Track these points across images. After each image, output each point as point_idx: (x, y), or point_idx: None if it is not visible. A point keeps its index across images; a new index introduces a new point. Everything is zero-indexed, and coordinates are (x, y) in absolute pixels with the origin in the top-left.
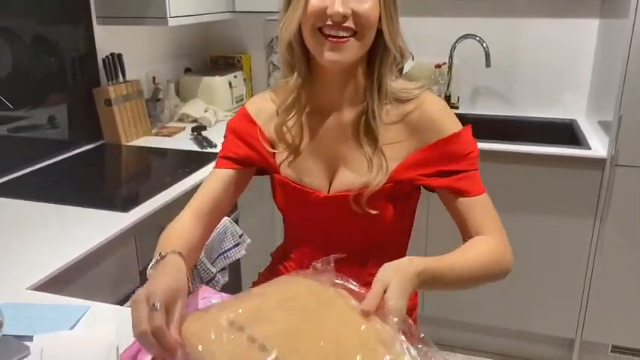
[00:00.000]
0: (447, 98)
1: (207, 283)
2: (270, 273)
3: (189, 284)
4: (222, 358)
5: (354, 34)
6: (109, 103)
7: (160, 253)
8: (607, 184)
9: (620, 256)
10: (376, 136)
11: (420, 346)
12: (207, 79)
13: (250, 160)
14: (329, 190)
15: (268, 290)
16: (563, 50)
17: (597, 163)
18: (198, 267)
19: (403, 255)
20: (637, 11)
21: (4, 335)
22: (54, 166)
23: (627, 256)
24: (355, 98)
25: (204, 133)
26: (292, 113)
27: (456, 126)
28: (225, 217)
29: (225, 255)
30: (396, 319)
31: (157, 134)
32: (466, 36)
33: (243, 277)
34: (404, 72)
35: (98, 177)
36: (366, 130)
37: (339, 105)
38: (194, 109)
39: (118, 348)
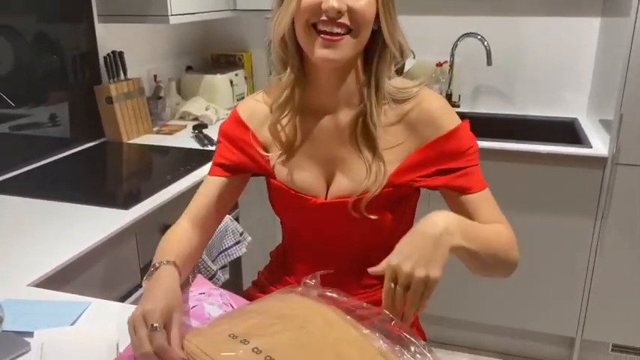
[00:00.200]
0: (449, 97)
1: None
2: (269, 272)
3: (190, 282)
4: None
5: (349, 31)
6: (110, 101)
7: (154, 264)
8: (608, 182)
9: (621, 254)
10: (375, 141)
11: (418, 356)
12: (208, 77)
13: (243, 167)
14: (326, 195)
15: (263, 307)
16: (565, 49)
17: (598, 161)
18: (199, 265)
19: None
20: (638, 10)
21: (4, 331)
22: (55, 164)
23: (628, 255)
24: (352, 99)
25: (205, 131)
26: (286, 111)
27: (455, 122)
28: (226, 215)
29: (226, 253)
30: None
31: (158, 132)
32: (467, 34)
33: (244, 275)
34: (405, 70)
35: (99, 175)
36: (364, 134)
37: (334, 106)
38: (195, 107)
39: (118, 344)
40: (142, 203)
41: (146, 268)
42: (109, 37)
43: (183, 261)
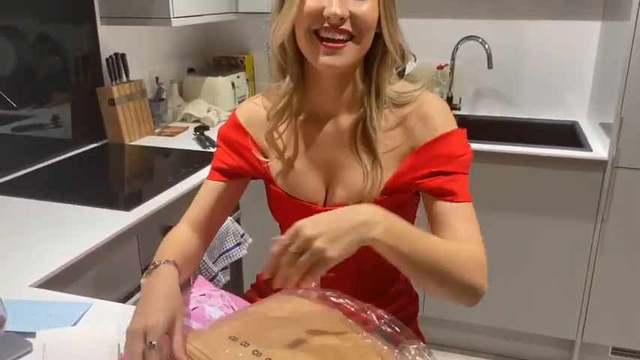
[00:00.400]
0: (449, 99)
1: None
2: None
3: (191, 283)
4: None
5: (351, 37)
6: (112, 102)
7: (154, 262)
8: (608, 185)
9: (621, 257)
10: (375, 146)
11: (418, 358)
12: (210, 80)
13: (242, 172)
14: (325, 201)
15: (264, 309)
16: (565, 52)
17: (598, 164)
18: (200, 266)
19: None
20: (639, 13)
21: (6, 332)
22: (57, 165)
23: (628, 258)
24: (352, 103)
25: (206, 133)
26: (283, 119)
27: (450, 126)
28: (228, 217)
29: (227, 254)
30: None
31: (159, 134)
32: (468, 37)
33: (245, 277)
34: (406, 73)
35: (101, 176)
36: (364, 139)
37: (335, 111)
38: (197, 109)
39: (119, 345)
40: (144, 205)
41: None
42: (111, 38)
43: (183, 263)
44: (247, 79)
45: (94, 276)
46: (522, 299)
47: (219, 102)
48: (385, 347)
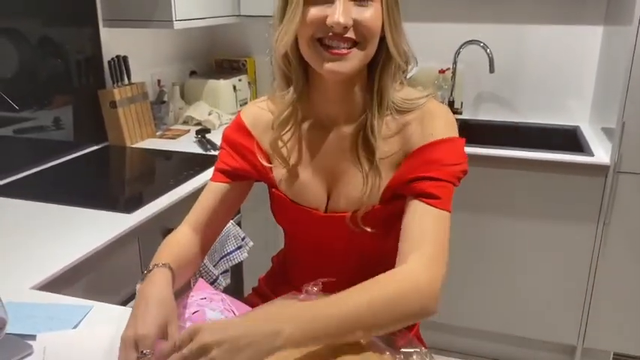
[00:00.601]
0: (451, 104)
1: None
2: (270, 278)
3: (192, 286)
4: None
5: (356, 43)
6: (114, 105)
7: (149, 267)
8: (610, 190)
9: (623, 262)
10: (374, 154)
11: None
12: (211, 82)
13: (245, 174)
14: (327, 207)
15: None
16: (567, 57)
17: (600, 169)
18: (201, 269)
19: None
20: None
21: (7, 334)
22: (59, 168)
23: (630, 263)
24: (355, 110)
25: (208, 135)
26: (288, 127)
27: (448, 134)
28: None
29: (228, 257)
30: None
31: (161, 136)
32: (470, 42)
33: (245, 280)
34: (407, 76)
35: (102, 178)
36: (364, 146)
37: (338, 117)
38: (198, 111)
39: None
40: (145, 207)
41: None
42: (113, 41)
43: (181, 265)
44: (249, 82)
45: (94, 278)
46: (523, 304)
47: (220, 105)
48: (387, 352)
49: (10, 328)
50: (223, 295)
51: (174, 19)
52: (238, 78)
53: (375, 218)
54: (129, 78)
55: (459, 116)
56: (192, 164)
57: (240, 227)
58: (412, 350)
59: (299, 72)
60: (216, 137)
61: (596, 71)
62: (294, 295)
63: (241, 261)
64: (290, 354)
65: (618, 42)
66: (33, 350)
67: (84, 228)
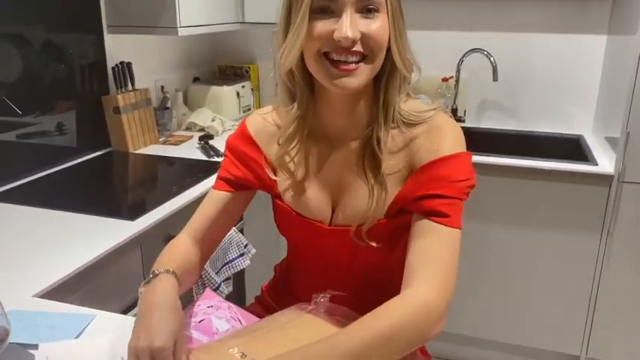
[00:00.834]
0: (454, 112)
1: None
2: (272, 288)
3: (193, 294)
4: None
5: (364, 57)
6: (117, 111)
7: (154, 271)
8: (614, 200)
9: (627, 272)
10: (380, 167)
11: None
12: (215, 89)
13: (248, 183)
14: (331, 220)
15: (271, 324)
16: (571, 65)
17: (604, 179)
18: (203, 276)
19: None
20: None
21: (9, 343)
22: (61, 173)
23: (633, 273)
24: (361, 122)
25: (211, 142)
26: (294, 143)
27: (456, 149)
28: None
29: (230, 265)
30: None
31: (164, 142)
32: (474, 50)
33: (247, 287)
34: (410, 84)
35: (105, 185)
36: (370, 159)
37: (344, 130)
38: (201, 118)
39: (122, 358)
40: (148, 214)
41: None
42: (117, 47)
43: (184, 273)
44: (252, 89)
45: (96, 286)
46: (527, 313)
47: (223, 111)
48: None
49: (12, 337)
50: (230, 303)
51: (178, 25)
52: (241, 84)
53: (379, 233)
54: (132, 84)
55: (462, 124)
56: (195, 171)
57: (243, 234)
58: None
59: (303, 87)
60: (219, 144)
61: (600, 80)
62: (302, 306)
63: (243, 268)
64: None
65: (622, 51)
66: None
67: (87, 235)
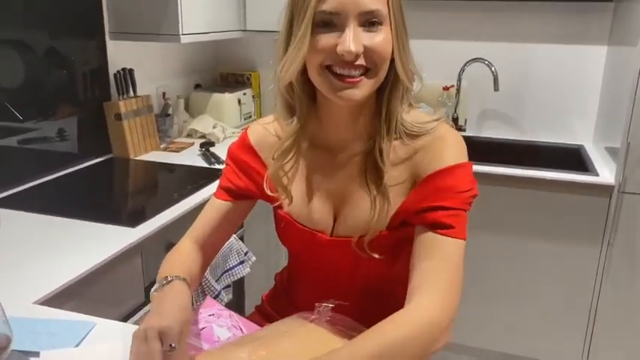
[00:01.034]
0: (455, 120)
1: None
2: (273, 298)
3: (193, 302)
4: None
5: (367, 70)
6: (119, 117)
7: (167, 277)
8: (614, 210)
9: (627, 283)
10: (383, 179)
11: None
12: (216, 96)
13: (249, 193)
14: (333, 231)
15: (273, 333)
16: (571, 76)
17: (605, 189)
18: (203, 284)
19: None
20: None
21: (12, 350)
22: (62, 179)
23: (634, 284)
24: (364, 133)
25: (212, 149)
26: (289, 157)
27: (458, 159)
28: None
29: (230, 272)
30: None
31: (165, 149)
32: (475, 59)
33: (247, 295)
34: (412, 93)
35: (106, 191)
36: (373, 170)
37: (347, 140)
38: (203, 125)
39: None
40: (149, 221)
41: (151, 287)
42: (119, 54)
43: (190, 281)
44: (253, 96)
45: (97, 293)
46: (526, 323)
47: (225, 118)
48: None
49: (13, 345)
50: (231, 311)
51: (180, 33)
52: (243, 92)
53: (382, 244)
54: (134, 91)
55: (463, 133)
56: (196, 178)
57: (243, 241)
58: None
59: (303, 100)
60: (220, 151)
61: (600, 91)
62: (305, 315)
63: (243, 276)
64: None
65: (623, 62)
66: None
67: (88, 242)
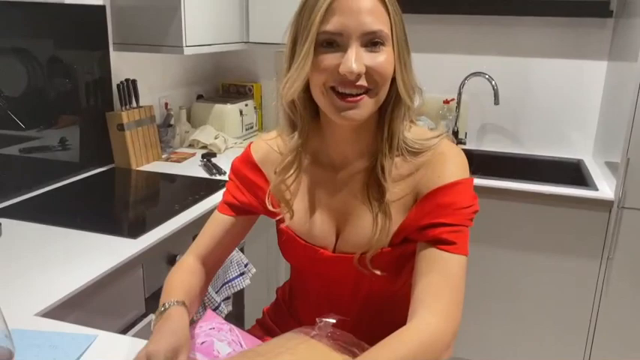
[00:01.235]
0: (455, 134)
1: None
2: (274, 312)
3: (194, 318)
4: None
5: (368, 89)
6: (121, 127)
7: (164, 304)
8: (614, 226)
9: (626, 298)
10: (385, 195)
11: None
12: (218, 107)
13: (252, 209)
14: (335, 247)
15: (274, 349)
16: (571, 90)
17: (604, 204)
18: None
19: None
20: None
21: None
22: (64, 189)
23: (633, 299)
24: (366, 150)
25: (213, 160)
26: (290, 173)
27: (458, 176)
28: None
29: (230, 284)
30: None
31: (167, 159)
32: (475, 74)
33: (246, 307)
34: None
35: (108, 201)
36: (374, 187)
37: (349, 157)
38: (204, 135)
39: None
40: (150, 233)
41: (151, 298)
42: (123, 64)
43: (192, 300)
44: (255, 107)
45: (98, 304)
46: (526, 337)
47: (226, 129)
48: None
49: (15, 359)
50: (232, 325)
51: (184, 45)
52: (245, 103)
53: (384, 261)
54: (137, 101)
55: (463, 146)
56: (198, 189)
57: (243, 253)
58: None
59: (305, 117)
60: (221, 162)
61: (600, 105)
62: (305, 330)
63: (243, 288)
64: None
65: (622, 78)
66: None
67: (89, 253)
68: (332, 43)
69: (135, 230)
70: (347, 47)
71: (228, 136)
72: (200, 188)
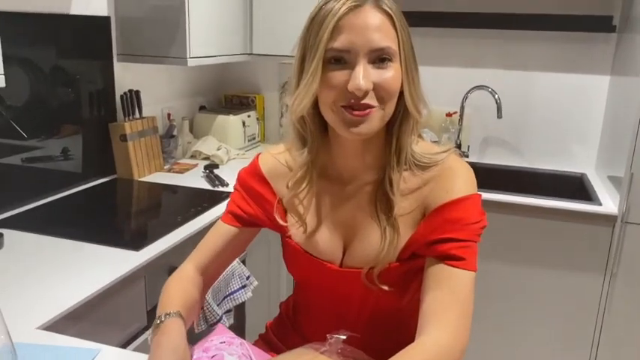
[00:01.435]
0: (458, 147)
1: (211, 326)
2: (277, 327)
3: (195, 327)
4: None
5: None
6: (124, 138)
7: (160, 317)
8: (617, 240)
9: (630, 313)
10: (392, 210)
11: None
12: (221, 118)
13: (258, 221)
14: (342, 261)
15: None
16: (574, 104)
17: (608, 219)
18: (204, 308)
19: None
20: None
21: None
22: (66, 199)
23: (637, 314)
24: (374, 165)
25: (216, 171)
26: (302, 187)
27: (467, 191)
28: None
29: (232, 297)
30: None
31: (169, 170)
32: (478, 87)
33: (248, 319)
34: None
35: (110, 213)
36: (382, 201)
37: (357, 171)
38: (207, 146)
39: None
40: (153, 245)
41: (153, 311)
42: (126, 75)
43: (189, 310)
44: (258, 118)
45: (100, 316)
46: (528, 353)
47: (229, 140)
48: None
49: None
50: (242, 339)
51: (188, 56)
52: (247, 114)
53: (391, 276)
54: (140, 112)
55: (465, 159)
56: (200, 200)
57: (245, 265)
58: None
59: (314, 132)
60: (224, 173)
61: (603, 119)
62: (316, 346)
63: (244, 301)
64: None
65: (625, 92)
66: None
67: (91, 265)
68: (340, 59)
69: (137, 242)
70: (355, 64)
71: (230, 147)
72: (203, 200)
